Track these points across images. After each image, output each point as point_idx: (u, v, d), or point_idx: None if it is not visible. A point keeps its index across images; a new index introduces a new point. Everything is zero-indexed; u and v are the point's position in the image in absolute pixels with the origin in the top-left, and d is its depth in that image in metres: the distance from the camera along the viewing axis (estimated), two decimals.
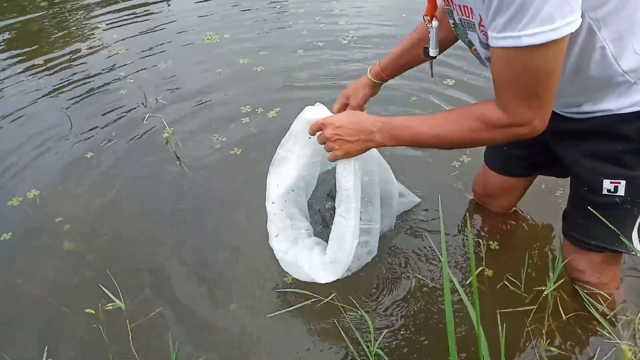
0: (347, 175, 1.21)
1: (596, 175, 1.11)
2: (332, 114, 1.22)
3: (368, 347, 1.24)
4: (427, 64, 1.33)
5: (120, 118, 2.18)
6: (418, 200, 1.64)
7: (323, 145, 1.20)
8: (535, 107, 0.94)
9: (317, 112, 1.26)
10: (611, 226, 1.13)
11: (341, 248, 1.24)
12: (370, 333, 1.25)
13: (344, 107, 1.44)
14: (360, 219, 1.27)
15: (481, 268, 1.41)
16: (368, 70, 1.42)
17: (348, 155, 1.18)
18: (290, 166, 1.33)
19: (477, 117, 1.00)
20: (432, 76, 1.43)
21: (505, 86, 0.94)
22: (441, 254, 1.50)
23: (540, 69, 0.89)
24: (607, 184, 1.10)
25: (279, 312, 1.38)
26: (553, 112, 1.10)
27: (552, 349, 1.25)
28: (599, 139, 1.09)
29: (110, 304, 1.42)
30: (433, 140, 1.07)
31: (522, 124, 0.96)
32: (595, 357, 1.23)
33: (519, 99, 0.94)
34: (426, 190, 1.72)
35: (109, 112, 2.22)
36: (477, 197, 1.66)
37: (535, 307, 1.31)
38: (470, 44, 1.07)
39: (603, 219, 1.13)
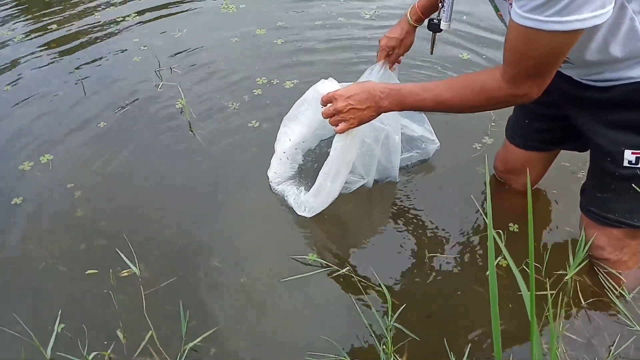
0: (340, 140, 1.35)
1: (617, 145, 1.12)
2: (342, 88, 1.30)
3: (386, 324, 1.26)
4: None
5: (133, 86, 2.18)
6: (436, 146, 1.69)
7: (328, 121, 1.30)
8: (538, 82, 1.01)
9: (328, 86, 1.38)
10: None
11: (317, 201, 1.48)
12: (388, 306, 1.27)
13: (386, 57, 1.53)
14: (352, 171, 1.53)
15: (500, 257, 1.41)
16: (409, 17, 1.47)
17: (362, 122, 1.28)
18: (301, 124, 1.51)
19: (477, 87, 1.08)
20: (431, 53, 1.52)
21: (516, 60, 0.99)
22: (463, 234, 1.54)
23: (556, 50, 0.94)
24: (628, 155, 1.10)
25: (292, 277, 1.41)
26: (573, 80, 1.14)
27: (571, 335, 1.26)
28: (620, 108, 1.10)
29: (126, 271, 1.44)
30: (436, 107, 1.17)
31: (522, 95, 1.04)
32: (614, 344, 1.23)
33: (526, 74, 1.00)
34: (445, 171, 1.74)
35: (122, 79, 2.22)
36: (498, 174, 1.66)
37: (555, 292, 1.32)
38: (496, 8, 1.12)
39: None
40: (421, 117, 1.70)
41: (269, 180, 1.65)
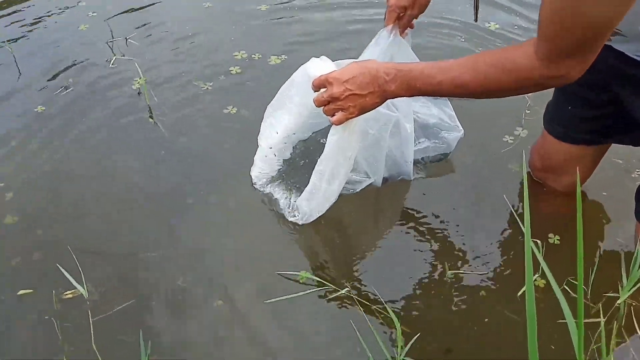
0: (336, 133, 1.37)
1: None
2: (337, 70, 1.31)
3: (394, 358, 1.26)
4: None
5: (79, 62, 2.18)
6: (459, 134, 1.69)
7: (321, 109, 1.31)
8: (579, 60, 1.02)
9: (321, 67, 1.38)
10: None
11: (310, 205, 1.50)
12: (397, 336, 1.27)
13: (396, 20, 1.50)
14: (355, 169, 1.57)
15: (536, 275, 1.42)
16: None
17: (363, 111, 1.30)
18: (289, 113, 1.53)
19: (507, 67, 1.08)
20: (475, 20, 1.54)
21: (554, 33, 0.99)
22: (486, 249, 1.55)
23: (605, 19, 0.94)
24: None
25: (279, 298, 1.41)
26: (626, 56, 1.15)
27: None
28: None
29: (70, 292, 1.44)
30: (455, 92, 1.17)
31: (560, 76, 1.05)
32: None
33: (566, 50, 1.01)
34: (469, 169, 1.75)
35: (64, 53, 2.22)
36: (534, 173, 1.67)
37: (604, 319, 1.28)
38: None
39: None
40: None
41: (253, 182, 1.67)
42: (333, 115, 1.31)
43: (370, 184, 1.64)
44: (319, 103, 1.32)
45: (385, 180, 1.66)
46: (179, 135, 1.89)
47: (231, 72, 2.13)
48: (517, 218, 1.56)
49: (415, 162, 1.69)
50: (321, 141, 1.68)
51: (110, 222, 1.63)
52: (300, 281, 1.47)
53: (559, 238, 1.55)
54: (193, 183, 1.74)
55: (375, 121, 1.50)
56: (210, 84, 2.09)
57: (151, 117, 1.95)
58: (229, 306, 1.43)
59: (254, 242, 1.58)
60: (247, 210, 1.64)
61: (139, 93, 2.04)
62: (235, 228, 1.62)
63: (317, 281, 1.46)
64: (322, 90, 1.31)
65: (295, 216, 1.57)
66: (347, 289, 1.44)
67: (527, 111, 1.93)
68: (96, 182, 1.75)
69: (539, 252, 1.18)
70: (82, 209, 1.66)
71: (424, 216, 1.64)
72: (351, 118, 1.32)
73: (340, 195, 1.55)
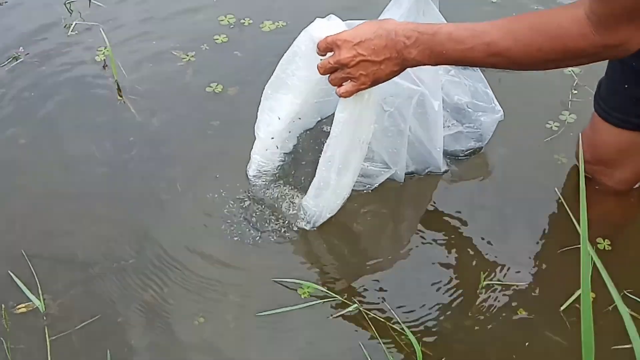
0: (345, 109, 1.36)
1: None
2: (348, 30, 1.31)
3: None
4: None
5: (31, 28, 2.18)
6: (497, 115, 1.69)
7: (327, 78, 1.32)
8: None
9: (328, 28, 1.36)
10: None
11: (318, 204, 1.51)
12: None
13: None
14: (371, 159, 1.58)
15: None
16: None
17: (377, 82, 1.29)
18: (293, 92, 1.52)
19: (552, 33, 1.08)
20: None
21: None
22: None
23: None
24: None
25: (274, 311, 1.42)
26: None
27: None
28: None
29: (24, 305, 1.45)
30: (489, 61, 1.18)
31: (615, 46, 1.05)
32: None
33: (626, 13, 1.00)
34: (505, 161, 1.76)
35: (11, 17, 2.23)
36: (584, 166, 1.67)
37: None
38: None
39: None
40: (472, 70, 1.71)
41: (250, 182, 1.67)
42: (340, 85, 1.31)
43: (391, 178, 1.64)
44: (324, 70, 1.32)
45: (410, 175, 1.67)
46: (152, 118, 1.89)
47: (215, 40, 2.13)
48: (562, 219, 1.57)
49: (447, 153, 1.70)
50: (325, 129, 1.72)
51: (71, 223, 1.64)
52: (302, 295, 1.47)
53: (609, 243, 1.55)
54: (168, 177, 1.74)
55: (393, 96, 1.51)
56: (191, 55, 2.09)
57: (119, 95, 1.96)
58: (212, 324, 1.43)
59: (243, 249, 1.58)
60: (234, 210, 1.65)
61: (104, 66, 2.05)
62: (219, 232, 1.62)
63: (322, 293, 1.47)
64: (329, 54, 1.31)
65: (302, 220, 1.58)
66: (356, 304, 1.45)
67: (574, 91, 1.93)
68: (52, 175, 1.75)
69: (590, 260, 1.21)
70: (37, 208, 1.67)
71: (453, 218, 1.65)
72: (362, 90, 1.32)
73: (354, 193, 1.56)
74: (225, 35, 2.15)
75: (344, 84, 1.31)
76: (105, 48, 2.06)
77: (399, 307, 1.45)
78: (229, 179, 1.71)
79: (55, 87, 2.00)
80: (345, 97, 1.33)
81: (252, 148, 1.66)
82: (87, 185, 1.74)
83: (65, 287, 1.50)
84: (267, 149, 1.64)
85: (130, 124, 1.89)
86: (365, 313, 1.43)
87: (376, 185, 1.65)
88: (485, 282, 1.48)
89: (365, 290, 1.50)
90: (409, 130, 1.57)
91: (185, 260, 1.57)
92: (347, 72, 1.28)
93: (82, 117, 1.91)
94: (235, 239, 1.60)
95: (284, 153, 1.69)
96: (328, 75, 1.33)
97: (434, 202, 1.69)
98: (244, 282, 1.52)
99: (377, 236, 1.64)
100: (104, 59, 2.06)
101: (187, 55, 2.09)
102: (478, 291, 1.49)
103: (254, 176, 1.67)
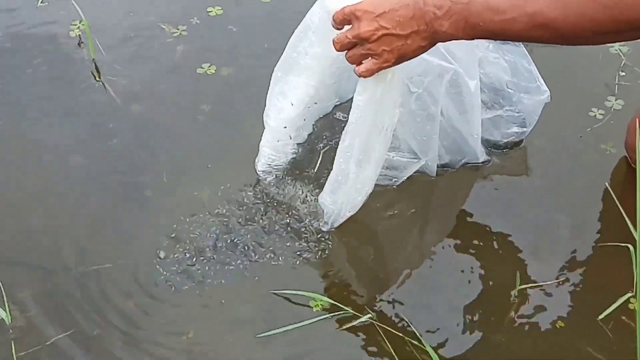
0: (366, 91, 1.34)
1: None
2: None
3: None
4: None
5: None
6: (543, 97, 1.67)
7: (345, 55, 1.30)
8: None
9: None
10: None
11: (336, 200, 1.50)
12: None
13: None
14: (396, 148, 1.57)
15: (629, 295, 1.43)
16: None
17: (403, 59, 1.28)
18: (307, 73, 1.51)
19: (608, 1, 1.08)
20: None
21: None
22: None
23: None
24: None
25: (276, 331, 1.41)
26: None
27: None
28: None
29: None
30: (532, 34, 1.17)
31: None
32: None
33: None
34: (546, 155, 1.76)
35: None
36: (632, 157, 1.68)
37: None
38: None
39: None
40: (514, 44, 1.66)
41: (260, 177, 1.67)
42: (360, 63, 1.29)
43: (421, 170, 1.63)
44: (341, 45, 1.29)
45: (443, 168, 1.66)
46: (135, 103, 1.89)
47: (209, 13, 2.11)
48: (610, 217, 1.59)
49: (482, 142, 1.68)
50: (344, 115, 1.69)
51: (41, 223, 1.63)
52: (315, 307, 1.47)
53: None
54: (153, 170, 1.74)
55: (421, 75, 1.48)
56: (182, 29, 2.07)
57: (97, 76, 1.96)
58: (203, 339, 1.42)
59: (246, 253, 1.58)
60: (231, 208, 1.65)
61: (79, 42, 2.03)
62: (213, 233, 1.61)
63: (334, 304, 1.46)
64: (347, 27, 1.29)
65: (319, 219, 1.57)
66: (369, 315, 1.44)
67: (621, 73, 1.92)
68: (19, 168, 1.75)
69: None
70: (2, 206, 1.67)
71: (488, 219, 1.64)
72: (385, 68, 1.29)
73: (377, 188, 1.55)
74: (219, 7, 2.13)
75: (363, 61, 1.29)
76: (80, 22, 2.03)
77: (420, 321, 1.45)
78: (224, 172, 1.72)
79: (22, 66, 1.98)
80: (365, 76, 1.30)
81: (260, 139, 1.65)
82: (59, 179, 1.73)
83: (34, 296, 1.49)
84: (278, 140, 1.62)
85: (109, 109, 1.87)
86: (382, 327, 1.43)
87: (403, 178, 1.63)
88: (519, 287, 1.48)
89: (385, 301, 1.50)
90: (441, 114, 1.54)
91: (169, 262, 1.56)
92: (368, 47, 1.26)
93: (54, 101, 1.90)
94: (236, 240, 1.60)
95: (298, 144, 1.68)
96: (345, 52, 1.30)
97: (469, 201, 1.69)
98: (240, 290, 1.52)
99: (402, 240, 1.63)
100: (79, 35, 2.04)
101: (173, 32, 2.07)
102: (512, 299, 1.48)
103: (263, 171, 1.65)
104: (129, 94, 1.91)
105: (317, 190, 1.61)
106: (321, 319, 1.44)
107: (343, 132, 1.42)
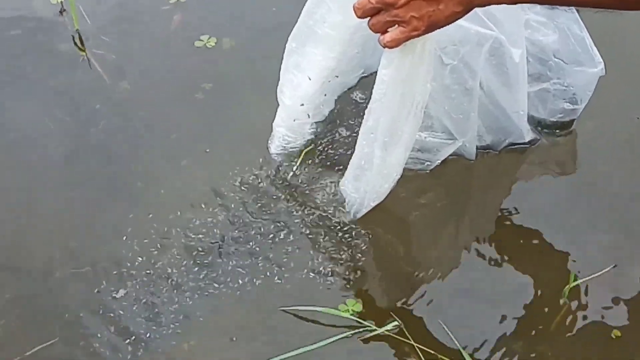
0: (392, 63, 1.33)
1: None
2: None
3: None
4: None
5: None
6: (597, 69, 1.66)
7: (368, 23, 1.27)
8: None
9: None
10: None
11: (359, 188, 1.52)
12: None
13: None
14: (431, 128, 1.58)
15: None
16: None
17: (433, 28, 1.25)
18: (326, 44, 1.51)
19: None
20: None
21: None
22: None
23: None
24: None
25: (284, 356, 1.39)
26: None
27: None
28: None
29: None
30: None
31: None
32: None
33: None
34: (596, 140, 1.76)
35: None
36: None
37: None
38: None
39: None
40: (563, 9, 1.64)
41: (274, 160, 1.68)
42: (385, 32, 1.26)
43: (458, 152, 1.62)
44: (363, 12, 1.25)
45: (483, 150, 1.66)
46: (124, 79, 1.89)
47: None
48: None
49: (532, 118, 1.68)
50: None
51: (18, 220, 1.63)
52: (344, 313, 1.46)
53: None
54: (145, 157, 1.74)
55: (457, 44, 1.47)
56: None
57: (81, 49, 1.96)
58: (203, 346, 1.44)
59: (252, 252, 1.57)
60: (235, 201, 1.64)
61: (61, 11, 2.04)
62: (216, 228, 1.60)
63: (349, 318, 1.45)
64: None
65: (340, 209, 1.57)
66: (395, 323, 1.44)
67: None
68: None
69: None
70: None
71: (534, 211, 1.63)
72: (414, 37, 1.26)
73: (408, 173, 1.55)
74: None
75: (389, 30, 1.26)
76: None
77: (454, 328, 1.44)
78: (226, 158, 1.71)
79: None
80: (391, 47, 1.28)
81: (273, 118, 1.65)
82: (38, 169, 1.73)
83: (11, 302, 1.49)
84: (295, 119, 1.62)
85: (95, 87, 1.87)
86: (410, 336, 1.43)
87: (437, 162, 1.62)
88: (571, 285, 1.47)
89: (408, 306, 1.49)
90: (480, 88, 1.53)
91: (165, 266, 1.55)
92: (394, 14, 1.22)
93: (33, 78, 1.90)
94: (240, 237, 1.59)
95: (316, 122, 1.68)
96: (368, 18, 1.27)
97: (512, 190, 1.69)
98: (251, 292, 1.51)
99: (434, 235, 1.63)
100: (61, 2, 2.04)
101: (165, 5, 2.08)
102: (561, 302, 1.48)
103: (277, 153, 1.67)
104: (117, 70, 1.91)
105: (339, 176, 1.61)
106: (340, 338, 1.44)
107: (366, 111, 1.41)
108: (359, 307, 1.46)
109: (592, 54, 1.64)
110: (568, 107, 1.70)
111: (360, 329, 1.43)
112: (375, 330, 1.43)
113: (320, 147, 1.69)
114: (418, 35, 1.25)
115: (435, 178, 1.63)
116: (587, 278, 1.49)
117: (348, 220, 1.57)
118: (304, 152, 1.67)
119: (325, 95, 1.62)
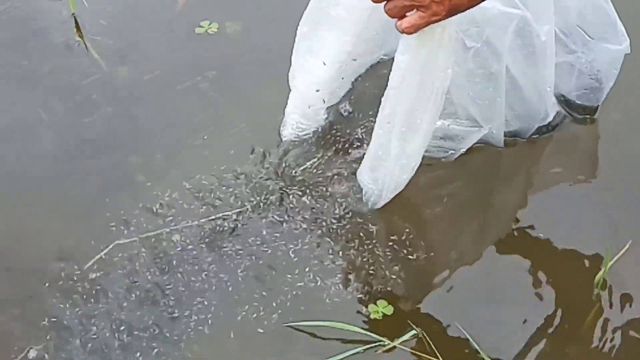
0: (409, 49, 1.32)
1: None
2: None
3: None
4: None
5: None
6: (622, 46, 1.64)
7: (384, 8, 1.26)
8: None
9: None
10: None
11: (377, 178, 1.52)
12: None
13: None
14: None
15: None
16: None
17: (455, 13, 1.24)
18: (340, 26, 1.51)
19: None
20: None
21: None
22: None
23: None
24: None
25: None
26: None
27: None
28: None
29: None
30: None
31: None
32: None
33: None
34: (617, 126, 1.75)
35: None
36: None
37: None
38: None
39: None
40: None
41: (285, 147, 1.67)
42: (403, 16, 1.24)
43: (484, 140, 1.62)
44: None
45: (511, 135, 1.65)
46: (123, 66, 1.87)
47: None
48: None
49: (558, 96, 1.67)
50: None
51: (6, 217, 1.61)
52: (373, 314, 1.44)
53: None
54: (145, 148, 1.72)
55: (479, 26, 1.46)
56: None
57: (78, 35, 1.93)
58: (213, 349, 1.43)
59: (259, 247, 1.54)
60: (244, 193, 1.62)
61: None
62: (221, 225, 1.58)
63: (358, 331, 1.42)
64: None
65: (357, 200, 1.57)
66: (414, 332, 1.41)
67: None
68: None
69: None
70: None
71: (566, 204, 1.63)
72: (434, 22, 1.24)
73: (430, 162, 1.56)
74: None
75: (407, 14, 1.23)
76: None
77: (478, 334, 1.41)
78: (230, 150, 1.69)
79: None
80: (409, 33, 1.26)
81: (281, 105, 1.65)
82: (30, 162, 1.71)
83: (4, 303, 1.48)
84: (310, 106, 1.62)
85: (92, 74, 1.85)
86: (430, 342, 1.41)
87: (462, 150, 1.60)
88: (609, 269, 1.45)
89: (428, 311, 1.48)
90: (507, 71, 1.52)
91: (168, 265, 1.54)
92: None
93: (25, 65, 1.89)
94: (246, 230, 1.57)
95: (331, 106, 1.68)
96: (384, 3, 1.25)
97: (541, 180, 1.68)
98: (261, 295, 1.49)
99: (455, 229, 1.61)
100: None
101: None
102: (593, 295, 1.47)
103: (290, 141, 1.66)
104: (115, 56, 1.89)
105: (355, 165, 1.60)
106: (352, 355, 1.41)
107: (382, 98, 1.39)
108: (389, 309, 1.45)
109: (618, 29, 1.62)
110: (594, 84, 1.68)
111: (376, 343, 1.42)
112: (391, 343, 1.42)
113: (335, 134, 1.67)
114: (438, 21, 1.24)
115: (460, 168, 1.62)
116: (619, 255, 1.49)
117: (366, 210, 1.56)
118: (316, 139, 1.66)
119: (342, 78, 1.61)
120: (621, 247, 1.53)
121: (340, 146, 1.67)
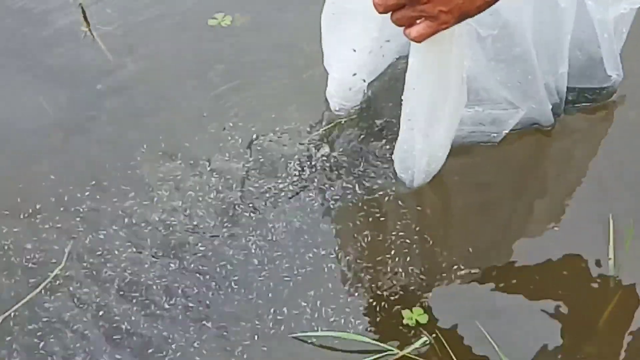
0: (418, 53, 1.34)
1: None
2: None
3: None
4: None
5: None
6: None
7: (391, 17, 1.25)
8: None
9: None
10: None
11: (406, 168, 1.54)
12: None
13: None
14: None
15: None
16: None
17: (464, 19, 1.24)
18: (361, 16, 1.50)
19: None
20: None
21: None
22: None
23: None
24: None
25: None
26: None
27: None
28: None
29: None
30: None
31: None
32: None
33: None
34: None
35: None
36: None
37: None
38: None
39: None
40: None
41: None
42: (410, 26, 1.24)
43: (533, 119, 1.61)
44: (385, 7, 1.22)
45: (557, 116, 1.63)
46: (129, 57, 1.86)
47: None
48: None
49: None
50: None
51: (4, 216, 1.60)
52: (407, 320, 1.39)
53: None
54: (152, 142, 1.69)
55: (493, 14, 1.45)
56: None
57: (86, 25, 1.92)
58: (219, 345, 1.39)
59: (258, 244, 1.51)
60: (242, 184, 1.61)
61: None
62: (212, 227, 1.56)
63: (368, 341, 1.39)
64: None
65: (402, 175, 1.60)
66: (425, 339, 1.38)
67: None
68: None
69: None
70: None
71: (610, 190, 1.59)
72: (443, 30, 1.24)
73: (468, 147, 1.57)
74: None
75: (416, 22, 1.24)
76: None
77: (501, 342, 1.37)
78: (237, 138, 1.68)
79: None
80: (418, 42, 1.27)
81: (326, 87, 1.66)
82: (32, 154, 1.70)
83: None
84: (350, 88, 1.64)
85: (98, 65, 1.85)
86: (449, 349, 1.38)
87: (505, 132, 1.61)
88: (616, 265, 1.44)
89: (446, 314, 1.44)
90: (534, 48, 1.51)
91: (168, 264, 1.52)
92: (420, 9, 1.20)
93: (28, 56, 1.88)
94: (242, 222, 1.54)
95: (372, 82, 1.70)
96: (390, 13, 1.25)
97: (590, 165, 1.66)
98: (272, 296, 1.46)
99: (491, 222, 1.59)
100: None
101: None
102: (609, 292, 1.45)
103: (337, 110, 1.71)
104: (122, 48, 1.89)
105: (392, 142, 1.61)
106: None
107: (402, 97, 1.41)
108: (424, 318, 1.42)
109: None
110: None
111: (384, 353, 1.38)
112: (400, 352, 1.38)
113: (370, 115, 1.68)
114: (447, 28, 1.25)
115: (501, 151, 1.62)
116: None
117: (408, 185, 1.57)
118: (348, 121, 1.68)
119: (383, 55, 1.63)
120: None
121: (379, 120, 1.70)
